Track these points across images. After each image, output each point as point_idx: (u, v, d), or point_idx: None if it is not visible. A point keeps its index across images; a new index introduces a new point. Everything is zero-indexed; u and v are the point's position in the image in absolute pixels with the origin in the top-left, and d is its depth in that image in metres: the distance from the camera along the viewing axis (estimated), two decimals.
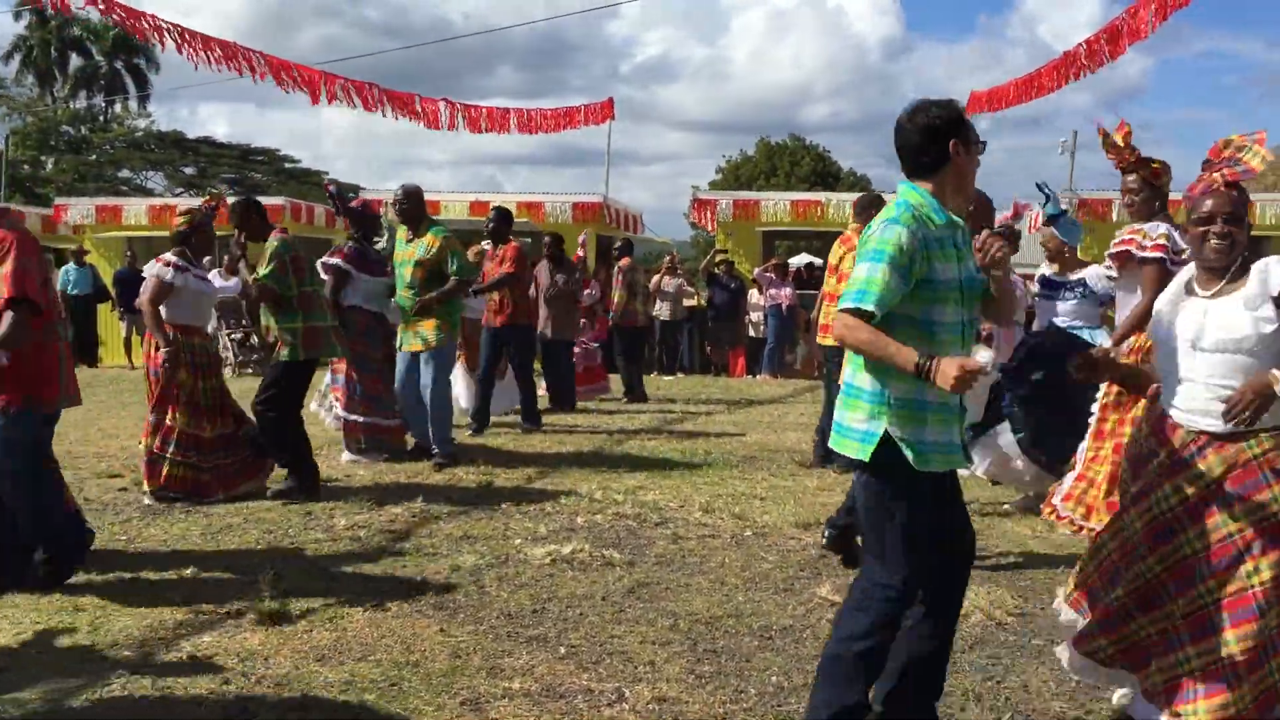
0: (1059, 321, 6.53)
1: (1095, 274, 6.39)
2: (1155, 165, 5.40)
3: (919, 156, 3.25)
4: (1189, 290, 3.40)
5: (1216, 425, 3.22)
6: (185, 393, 6.52)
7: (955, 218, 3.25)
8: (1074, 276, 6.54)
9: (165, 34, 11.38)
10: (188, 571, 5.10)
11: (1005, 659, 4.11)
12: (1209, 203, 3.32)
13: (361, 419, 8.07)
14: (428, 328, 7.75)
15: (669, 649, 4.18)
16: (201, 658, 4.01)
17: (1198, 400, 3.29)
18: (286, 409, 6.81)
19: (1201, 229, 3.32)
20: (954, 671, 3.98)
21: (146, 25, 11.04)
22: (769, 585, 5.05)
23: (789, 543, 5.83)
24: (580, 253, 13.04)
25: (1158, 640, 3.34)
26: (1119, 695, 3.60)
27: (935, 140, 3.21)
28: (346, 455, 8.07)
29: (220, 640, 4.20)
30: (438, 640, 4.23)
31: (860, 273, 3.10)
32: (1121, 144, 5.40)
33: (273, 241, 6.84)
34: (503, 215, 9.97)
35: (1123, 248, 5.42)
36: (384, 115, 13.83)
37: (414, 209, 7.98)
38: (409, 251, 7.84)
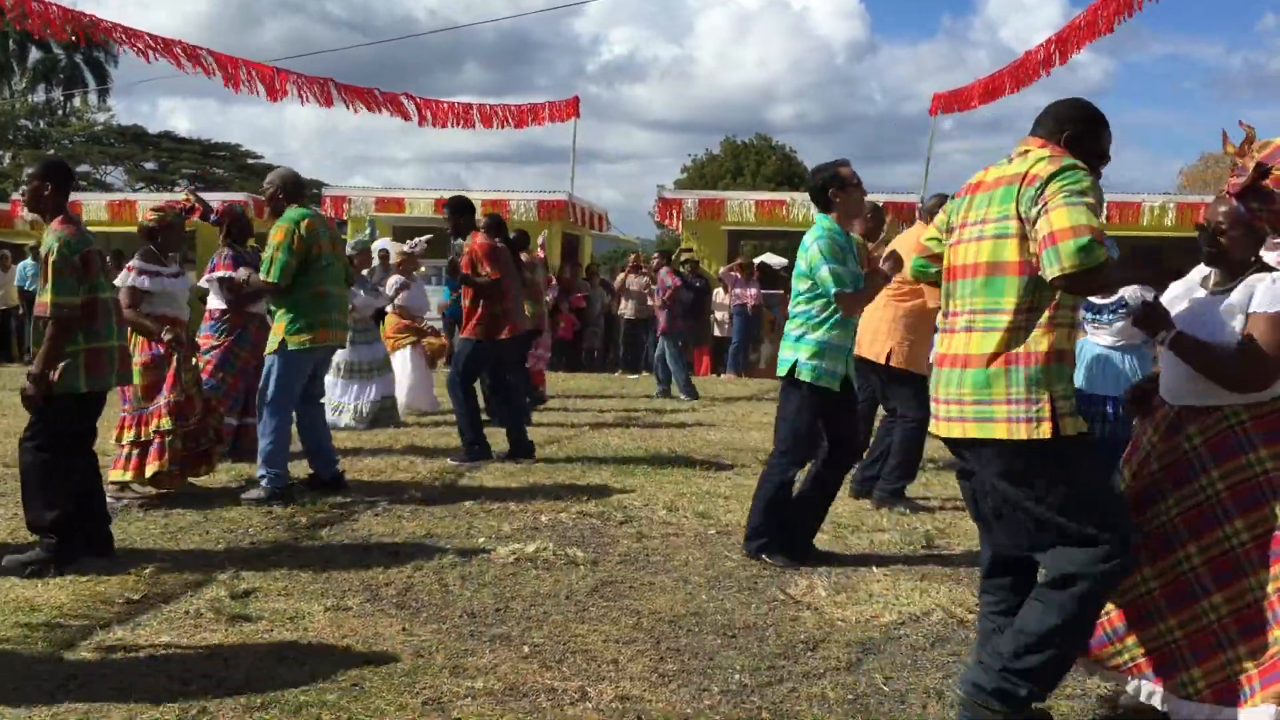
0: (1106, 340, 6.21)
1: (1132, 291, 6.13)
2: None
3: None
4: (1203, 283, 3.53)
5: (1195, 399, 3.36)
6: (179, 380, 6.50)
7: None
8: (1113, 297, 6.25)
9: (110, 33, 11.28)
10: (147, 570, 5.04)
11: (966, 656, 4.14)
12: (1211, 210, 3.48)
13: (237, 422, 7.79)
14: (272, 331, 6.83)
15: (632, 647, 4.18)
16: (161, 658, 3.98)
17: (1179, 380, 3.42)
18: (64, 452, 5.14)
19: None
20: (914, 670, 4.02)
21: (78, 25, 10.92)
22: (732, 584, 5.06)
23: None
24: (540, 253, 13.06)
25: (1118, 618, 3.39)
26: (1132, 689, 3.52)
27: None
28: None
29: (180, 640, 4.16)
30: (400, 639, 4.21)
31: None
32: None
33: (50, 241, 5.03)
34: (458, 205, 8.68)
35: None
36: (347, 107, 13.77)
37: (273, 197, 6.86)
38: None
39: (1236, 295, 3.33)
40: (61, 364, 4.94)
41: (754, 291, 16.58)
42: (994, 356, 3.21)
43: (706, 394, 13.49)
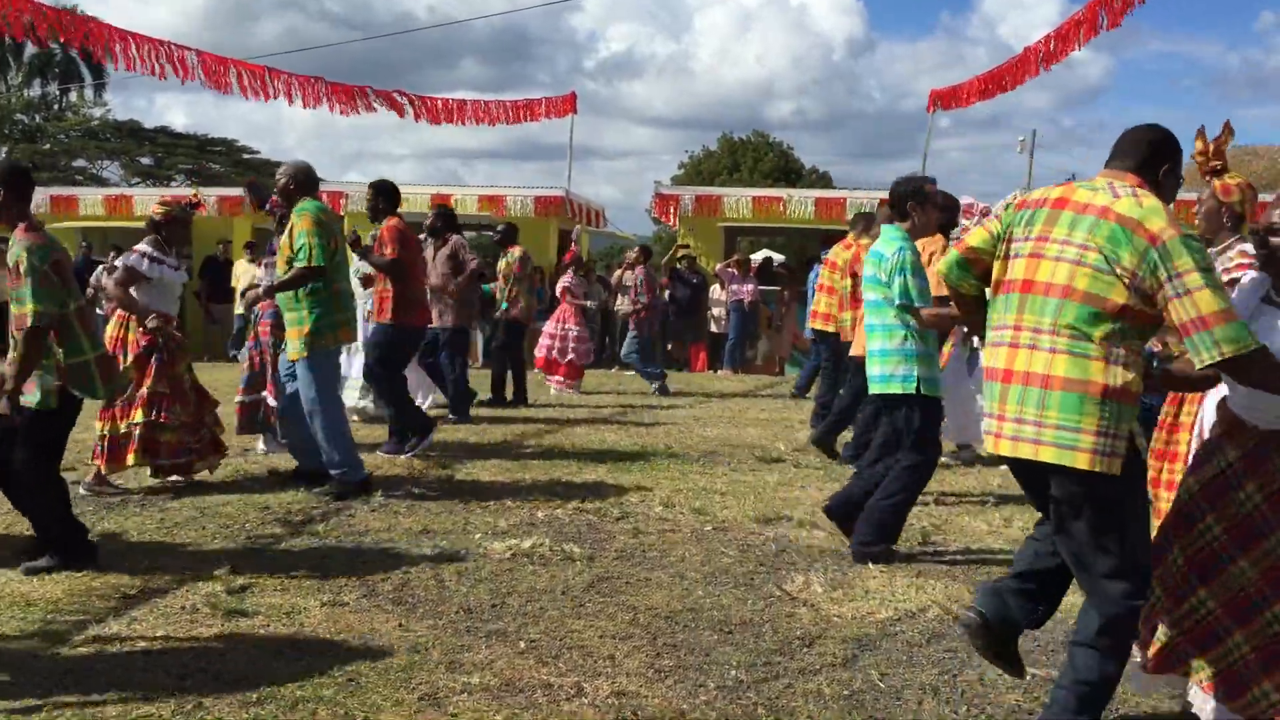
0: None
1: None
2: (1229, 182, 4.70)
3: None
4: (1266, 300, 3.35)
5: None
6: (168, 373, 6.60)
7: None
8: None
9: (95, 34, 11.26)
10: (143, 566, 5.05)
11: (961, 653, 4.14)
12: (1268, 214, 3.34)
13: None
14: (292, 334, 6.62)
15: (628, 643, 4.18)
16: (157, 652, 3.98)
17: (1266, 399, 3.22)
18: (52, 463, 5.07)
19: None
20: (910, 666, 4.02)
21: (62, 26, 10.93)
22: (728, 580, 5.07)
23: (749, 537, 5.85)
24: (574, 247, 13.16)
25: (1255, 658, 3.30)
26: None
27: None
28: (264, 447, 8.03)
29: (176, 635, 4.16)
30: (396, 635, 4.21)
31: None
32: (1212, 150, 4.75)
33: (18, 250, 4.85)
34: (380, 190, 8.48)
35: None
36: (332, 109, 13.73)
37: (285, 188, 6.81)
38: (283, 241, 6.77)
39: None
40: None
41: (750, 288, 16.57)
42: (1090, 384, 3.12)
43: (703, 390, 13.50)
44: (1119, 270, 3.09)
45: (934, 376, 5.43)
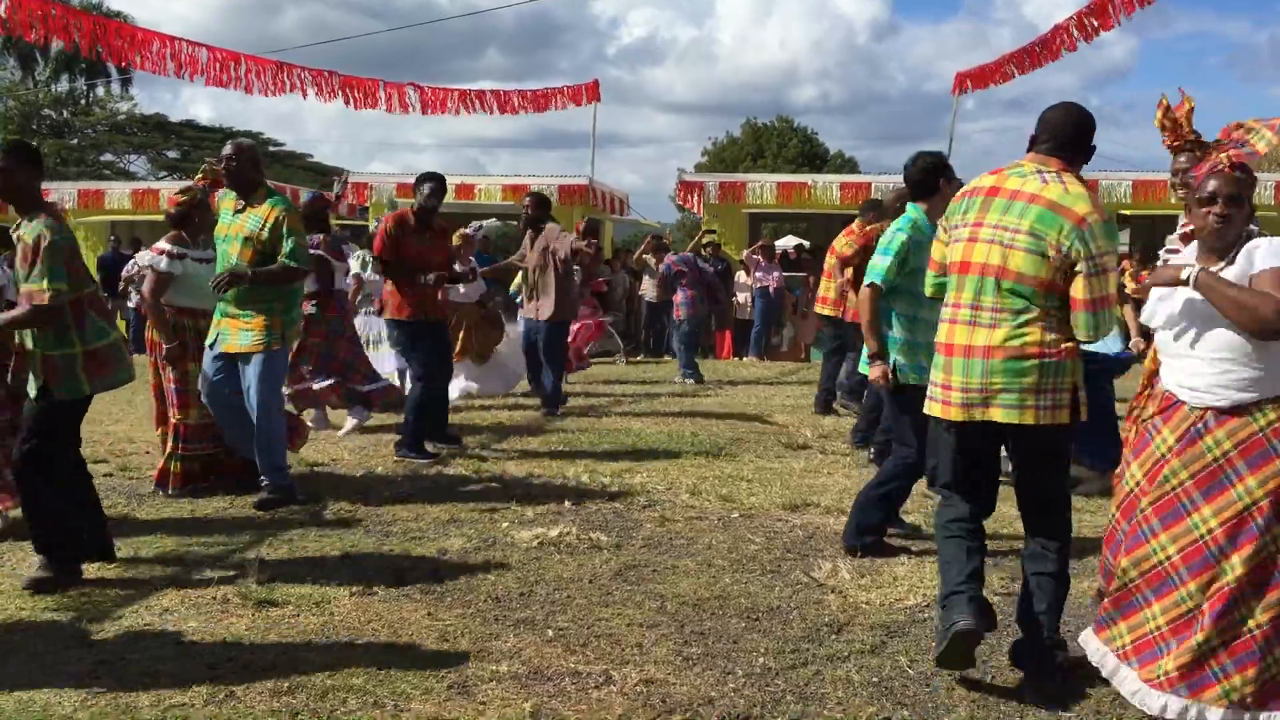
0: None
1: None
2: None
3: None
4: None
5: (1221, 400, 3.32)
6: (189, 381, 6.42)
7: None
8: None
9: (111, 36, 11.33)
10: (174, 557, 5.09)
11: (991, 639, 4.12)
12: (1212, 183, 3.38)
13: (328, 382, 8.44)
14: (255, 326, 6.09)
15: (656, 631, 4.19)
16: (188, 643, 4.01)
17: (1201, 377, 3.36)
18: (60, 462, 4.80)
19: (1204, 209, 3.39)
20: None
21: (61, 24, 11.01)
22: (756, 567, 5.06)
23: (776, 524, 5.84)
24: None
25: (1170, 632, 3.35)
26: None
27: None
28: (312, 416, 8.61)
29: (207, 625, 4.20)
30: (425, 624, 4.23)
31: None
32: (1181, 121, 4.36)
33: (39, 227, 4.60)
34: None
35: None
36: (348, 103, 13.75)
37: (245, 170, 6.20)
38: (237, 225, 6.15)
39: (1239, 264, 3.31)
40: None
41: (776, 274, 16.52)
42: (1028, 351, 3.56)
43: (729, 377, 13.48)
44: (1050, 251, 3.49)
45: (910, 364, 5.15)
